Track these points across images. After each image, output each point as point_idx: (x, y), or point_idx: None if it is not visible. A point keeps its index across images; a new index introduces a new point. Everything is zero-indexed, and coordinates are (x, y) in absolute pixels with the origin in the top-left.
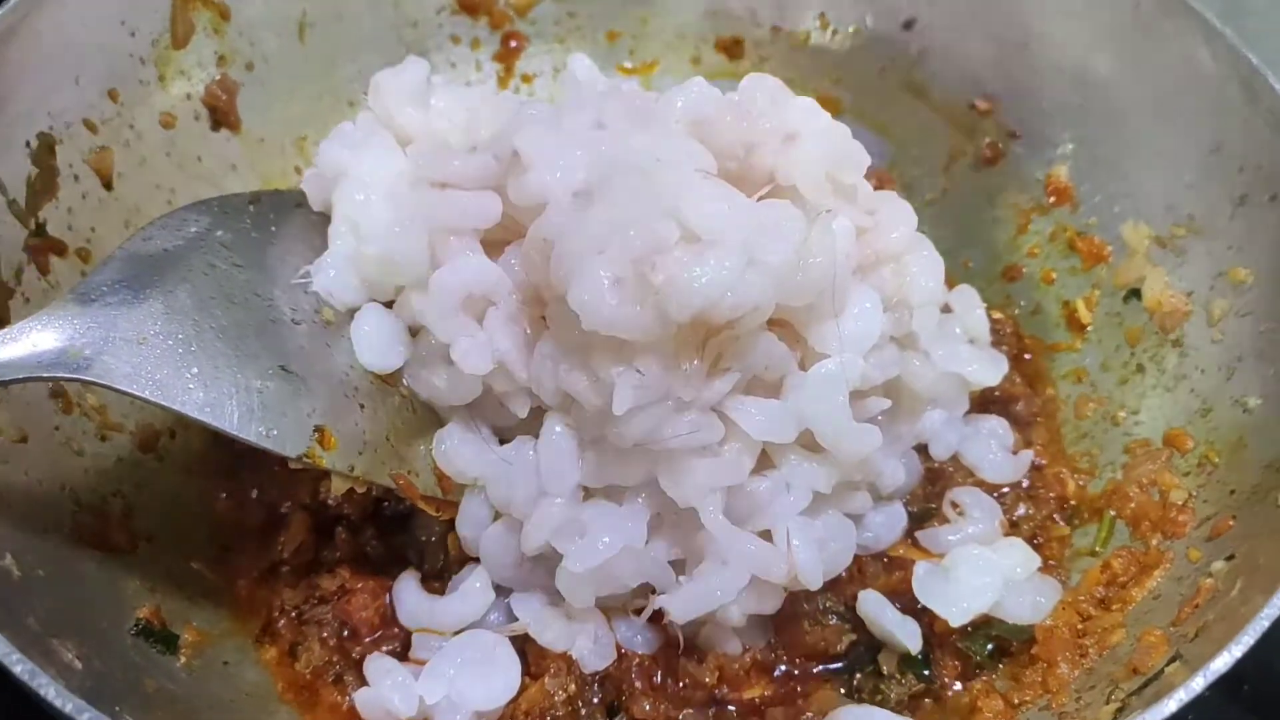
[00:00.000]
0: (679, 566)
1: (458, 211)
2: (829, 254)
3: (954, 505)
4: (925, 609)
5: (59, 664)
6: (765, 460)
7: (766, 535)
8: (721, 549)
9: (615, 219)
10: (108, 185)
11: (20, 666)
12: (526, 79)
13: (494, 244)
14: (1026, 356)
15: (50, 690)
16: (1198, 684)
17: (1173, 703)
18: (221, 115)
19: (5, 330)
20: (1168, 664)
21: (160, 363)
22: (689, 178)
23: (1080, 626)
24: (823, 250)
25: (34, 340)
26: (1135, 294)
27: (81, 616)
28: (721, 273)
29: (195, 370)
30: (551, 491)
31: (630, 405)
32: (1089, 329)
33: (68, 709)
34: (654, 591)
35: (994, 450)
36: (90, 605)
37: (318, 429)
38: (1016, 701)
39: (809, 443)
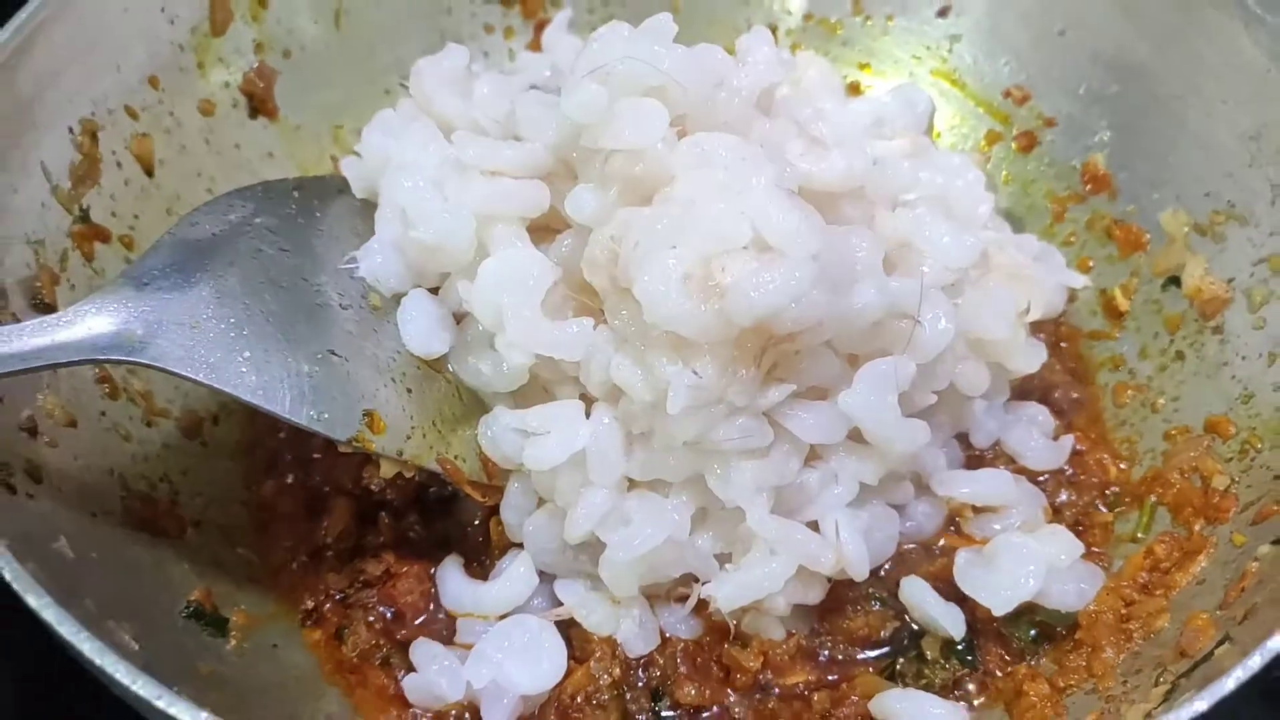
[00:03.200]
0: (723, 556)
1: (507, 200)
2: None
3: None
4: None
5: (118, 645)
6: (812, 451)
7: (812, 526)
8: (769, 539)
9: (692, 213)
10: (149, 172)
11: (88, 645)
12: None
13: (539, 230)
14: (1063, 345)
15: (119, 669)
16: (1255, 663)
17: (1231, 681)
18: (259, 103)
19: (60, 314)
20: (1217, 646)
21: (213, 346)
22: (769, 187)
23: (1124, 611)
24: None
25: (89, 324)
26: (1174, 281)
27: (135, 599)
28: (790, 283)
29: (247, 354)
30: (597, 481)
31: (684, 405)
32: (1127, 316)
33: (137, 686)
34: (697, 580)
35: (1035, 437)
36: (142, 588)
37: (367, 413)
38: (1062, 685)
39: (856, 434)
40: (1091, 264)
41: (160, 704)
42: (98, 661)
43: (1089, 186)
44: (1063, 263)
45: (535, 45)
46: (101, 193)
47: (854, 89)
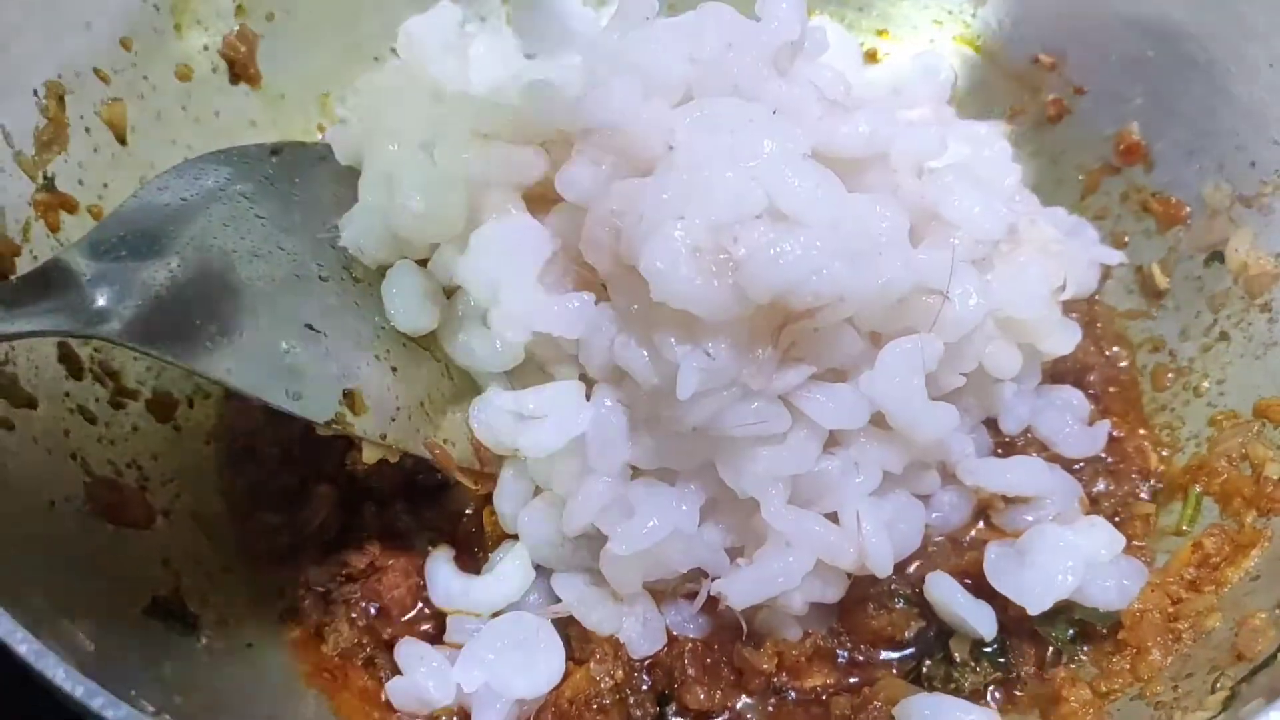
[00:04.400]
0: (734, 550)
1: (501, 166)
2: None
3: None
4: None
5: (69, 645)
6: (831, 437)
7: (831, 517)
8: (785, 532)
9: (698, 181)
10: (121, 139)
11: (25, 646)
12: None
13: (536, 199)
14: (1098, 325)
15: (59, 672)
16: None
17: None
18: (240, 68)
19: (8, 282)
20: None
21: (180, 320)
22: (783, 151)
23: (1171, 610)
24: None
25: (42, 294)
26: (1217, 256)
27: (94, 595)
28: (810, 253)
29: (215, 327)
30: (598, 469)
31: (696, 389)
32: (1166, 295)
33: (78, 693)
34: (706, 575)
35: (1069, 423)
36: (103, 582)
37: (347, 393)
38: (1104, 690)
39: (878, 420)
40: (1127, 239)
41: (99, 708)
42: (34, 664)
43: (1123, 157)
44: (1096, 238)
45: None
46: (69, 160)
47: (871, 56)
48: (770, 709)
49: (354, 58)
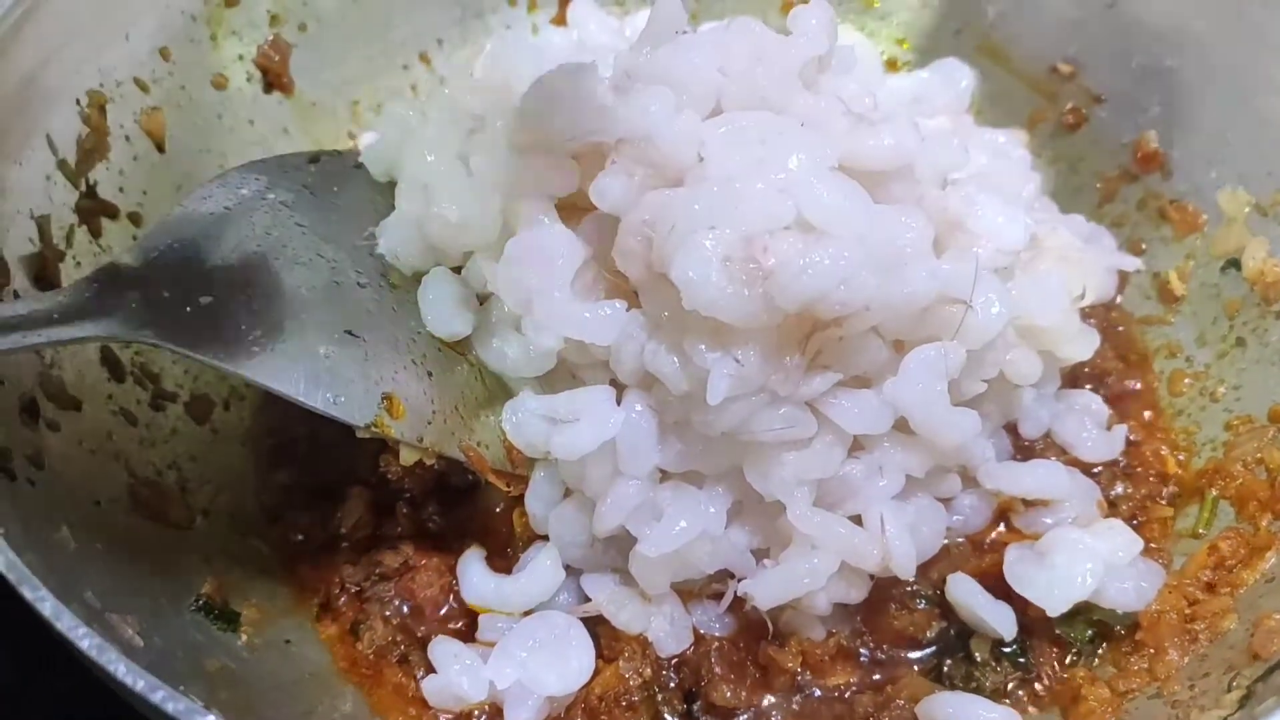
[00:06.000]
0: (760, 552)
1: (535, 178)
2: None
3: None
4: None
5: (120, 640)
6: (855, 442)
7: (855, 520)
8: (811, 534)
9: (729, 192)
10: (160, 147)
11: (87, 641)
12: None
13: (567, 209)
14: (1118, 330)
15: (119, 667)
16: None
17: None
18: (274, 77)
19: (59, 290)
20: None
21: (222, 325)
22: (812, 164)
23: (1188, 611)
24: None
25: (90, 300)
26: (1234, 264)
27: (140, 592)
28: (838, 264)
29: (258, 333)
30: (628, 472)
31: (725, 395)
32: (1183, 301)
33: (138, 687)
34: (733, 576)
35: (1088, 427)
36: (149, 581)
37: (386, 397)
38: (1122, 689)
39: (902, 425)
40: (1144, 246)
41: (159, 701)
42: (97, 658)
43: (1141, 165)
44: (1114, 245)
45: (560, 20)
46: (110, 168)
47: (891, 65)
48: (795, 707)
49: (384, 66)
